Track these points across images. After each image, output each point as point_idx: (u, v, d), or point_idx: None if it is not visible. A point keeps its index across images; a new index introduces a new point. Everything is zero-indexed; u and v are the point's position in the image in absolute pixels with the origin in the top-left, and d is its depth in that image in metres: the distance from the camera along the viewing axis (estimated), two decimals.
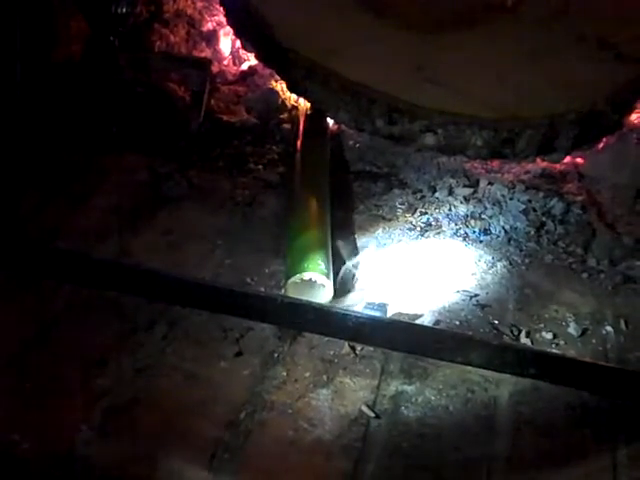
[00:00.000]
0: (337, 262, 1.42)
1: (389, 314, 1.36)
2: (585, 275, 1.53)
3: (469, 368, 1.27)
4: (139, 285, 1.28)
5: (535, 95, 1.72)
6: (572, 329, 1.39)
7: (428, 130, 1.68)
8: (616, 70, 1.76)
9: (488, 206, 1.69)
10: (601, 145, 1.86)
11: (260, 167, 1.73)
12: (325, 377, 1.24)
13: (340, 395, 1.21)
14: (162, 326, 1.30)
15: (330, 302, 1.34)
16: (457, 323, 1.38)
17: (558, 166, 1.85)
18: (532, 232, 1.63)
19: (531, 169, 1.81)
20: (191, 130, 1.77)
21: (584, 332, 1.39)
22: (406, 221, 1.63)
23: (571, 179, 1.82)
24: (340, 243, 1.49)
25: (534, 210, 1.69)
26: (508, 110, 1.69)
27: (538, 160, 1.83)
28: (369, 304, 1.35)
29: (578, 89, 1.74)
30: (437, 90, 1.71)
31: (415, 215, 1.65)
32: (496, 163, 1.83)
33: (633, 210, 1.71)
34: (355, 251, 1.50)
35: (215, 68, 1.97)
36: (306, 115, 1.82)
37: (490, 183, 1.76)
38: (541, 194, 1.73)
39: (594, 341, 1.37)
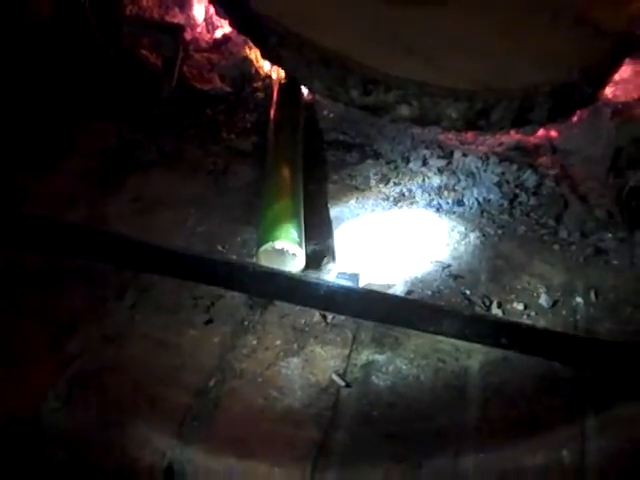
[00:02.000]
0: (309, 232, 1.40)
1: (361, 284, 1.35)
2: (557, 247, 1.53)
3: (441, 338, 1.26)
4: (108, 252, 1.26)
5: (510, 67, 1.71)
6: (543, 300, 1.39)
7: (403, 101, 1.67)
8: (591, 43, 1.75)
9: (462, 178, 1.69)
10: (575, 119, 1.86)
11: (233, 136, 1.71)
12: (296, 345, 1.23)
13: (311, 363, 1.20)
14: (132, 293, 1.29)
15: (302, 271, 1.32)
16: (429, 293, 1.37)
17: (532, 139, 1.85)
18: (505, 204, 1.62)
19: (505, 141, 1.81)
20: (163, 97, 1.74)
21: (555, 303, 1.39)
22: (379, 191, 1.62)
23: (544, 152, 1.81)
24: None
25: (507, 182, 1.69)
26: (483, 82, 1.68)
27: (512, 133, 1.83)
28: (341, 274, 1.34)
29: (553, 61, 1.73)
30: (413, 61, 1.70)
31: (388, 185, 1.64)
32: (470, 135, 1.82)
33: (605, 183, 1.71)
34: (328, 223, 1.49)
35: (188, 35, 1.94)
36: (280, 84, 1.80)
37: (464, 155, 1.76)
38: (515, 166, 1.72)
39: (564, 312, 1.37)
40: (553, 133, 1.86)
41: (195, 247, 1.39)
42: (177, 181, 1.55)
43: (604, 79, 1.81)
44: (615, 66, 1.82)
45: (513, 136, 1.82)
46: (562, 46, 1.72)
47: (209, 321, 1.25)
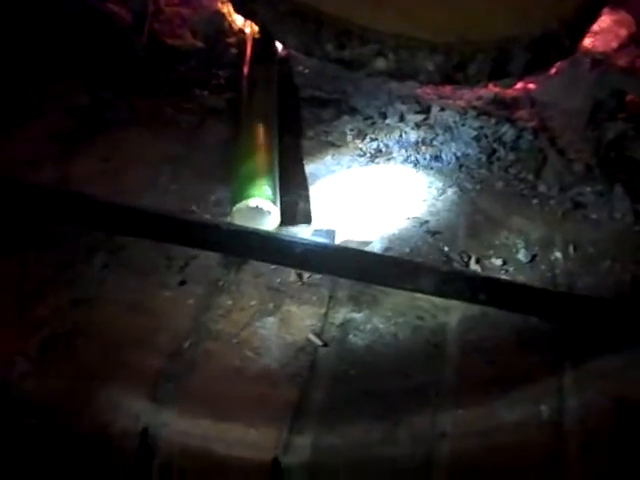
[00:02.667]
0: (284, 188, 1.38)
1: (337, 241, 1.33)
2: (535, 201, 1.51)
3: (419, 295, 1.25)
4: (77, 213, 1.23)
5: (486, 19, 1.68)
6: (521, 255, 1.37)
7: (379, 54, 1.64)
8: None
9: (439, 132, 1.66)
10: (553, 71, 1.84)
11: (206, 93, 1.68)
12: (271, 305, 1.21)
13: (287, 323, 1.18)
14: (102, 255, 1.26)
15: (277, 229, 1.30)
16: (407, 250, 1.35)
17: (510, 92, 1.82)
18: (483, 159, 1.60)
19: (483, 95, 1.78)
20: (133, 54, 1.69)
21: (533, 258, 1.37)
22: (356, 147, 1.60)
23: (523, 105, 1.79)
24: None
25: (485, 137, 1.66)
26: (459, 34, 1.65)
27: (490, 86, 1.80)
28: (317, 231, 1.32)
29: (530, 12, 1.71)
30: (388, 13, 1.67)
31: (365, 141, 1.62)
32: (448, 89, 1.79)
33: (584, 136, 1.69)
34: (303, 179, 1.46)
35: None
36: (253, 39, 1.76)
37: (442, 109, 1.73)
38: (493, 120, 1.70)
39: (543, 267, 1.36)
40: (531, 85, 1.84)
41: (168, 206, 1.36)
42: (149, 139, 1.51)
43: (583, 30, 1.78)
44: (594, 16, 1.79)
45: (491, 89, 1.80)
46: None
47: (183, 282, 1.23)
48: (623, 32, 1.98)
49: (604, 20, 1.95)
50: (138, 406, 1.05)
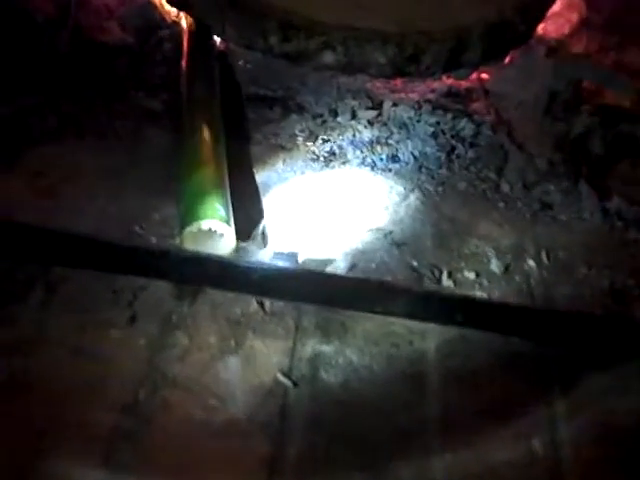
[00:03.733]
0: (236, 204, 1.25)
1: (298, 262, 1.21)
2: (501, 204, 1.43)
3: (392, 319, 1.15)
4: (7, 245, 1.08)
5: (441, 7, 1.58)
6: (494, 266, 1.29)
7: (326, 47, 1.54)
8: None
9: (394, 130, 1.56)
10: (507, 60, 1.75)
11: (141, 94, 1.53)
12: (233, 342, 1.09)
13: (252, 362, 1.07)
14: (39, 292, 1.11)
15: (233, 253, 1.17)
16: (373, 266, 1.25)
17: (463, 83, 1.73)
18: (443, 157, 1.51)
19: (436, 88, 1.68)
20: (58, 52, 1.53)
21: (507, 268, 1.29)
22: (308, 150, 1.48)
23: (477, 97, 1.70)
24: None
25: (443, 133, 1.57)
26: (413, 24, 1.56)
27: (444, 78, 1.71)
28: (277, 254, 1.20)
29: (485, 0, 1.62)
30: (336, 3, 1.56)
31: (317, 143, 1.50)
32: (399, 82, 1.69)
33: (542, 129, 1.61)
34: (255, 191, 1.34)
35: None
36: (189, 32, 1.62)
37: (395, 104, 1.63)
38: (449, 115, 1.61)
39: (517, 278, 1.28)
40: (484, 75, 1.75)
41: (108, 229, 1.22)
42: (82, 151, 1.37)
43: (539, 15, 1.70)
44: (549, 1, 1.71)
45: (444, 81, 1.70)
46: None
47: (132, 319, 1.10)
48: (575, 16, 1.90)
49: (555, 4, 1.87)
50: (90, 476, 0.91)
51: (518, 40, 1.66)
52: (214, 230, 1.15)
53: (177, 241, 1.19)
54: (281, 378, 1.05)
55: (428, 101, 1.63)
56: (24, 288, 1.11)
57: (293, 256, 1.19)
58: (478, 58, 1.61)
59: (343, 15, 1.53)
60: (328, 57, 1.53)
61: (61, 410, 0.98)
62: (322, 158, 1.46)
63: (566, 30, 1.86)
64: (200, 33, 1.60)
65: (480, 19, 1.57)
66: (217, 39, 1.62)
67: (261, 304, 1.15)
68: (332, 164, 1.46)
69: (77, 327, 1.07)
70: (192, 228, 1.15)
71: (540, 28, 1.81)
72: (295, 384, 1.05)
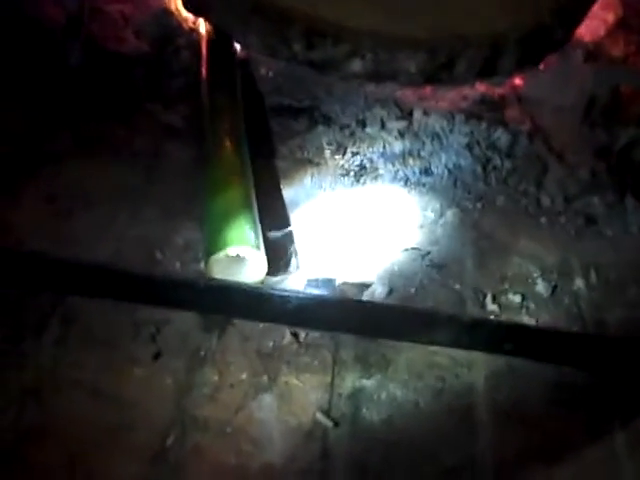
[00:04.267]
0: (264, 225, 1.16)
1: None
2: (544, 219, 1.35)
3: (435, 348, 1.07)
4: (19, 274, 1.00)
5: (475, 12, 1.49)
6: (541, 287, 1.21)
7: (354, 55, 1.45)
8: None
9: (426, 141, 1.47)
10: (542, 64, 1.66)
11: (159, 107, 1.44)
12: (266, 378, 1.00)
13: (287, 400, 0.98)
14: (55, 326, 1.03)
15: (263, 281, 1.08)
16: (413, 291, 1.17)
17: (497, 90, 1.64)
18: (478, 170, 1.43)
19: (468, 95, 1.59)
20: (70, 63, 1.45)
21: (554, 290, 1.21)
22: (337, 165, 1.40)
23: (511, 104, 1.61)
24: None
25: (478, 144, 1.48)
26: (445, 29, 1.46)
27: (475, 85, 1.62)
28: (311, 281, 1.11)
29: (521, 2, 1.53)
30: (363, 7, 1.47)
31: (346, 157, 1.42)
32: (429, 89, 1.60)
33: (580, 136, 1.52)
34: (284, 212, 1.25)
35: None
36: (208, 40, 1.53)
37: (425, 113, 1.54)
38: (483, 124, 1.52)
39: (566, 300, 1.20)
40: (517, 81, 1.66)
41: (128, 256, 1.14)
42: (99, 170, 1.28)
43: (578, 19, 1.60)
44: (589, 3, 1.62)
45: (477, 88, 1.61)
46: None
47: (157, 355, 1.01)
48: (610, 17, 1.81)
49: None
50: None
51: (556, 45, 1.57)
52: (243, 257, 1.07)
53: (203, 268, 1.10)
54: (320, 417, 0.97)
55: (460, 110, 1.54)
56: (38, 322, 1.03)
57: (329, 283, 1.11)
58: (514, 64, 1.52)
59: (372, 21, 1.44)
60: (356, 65, 1.44)
61: (81, 460, 0.89)
62: (352, 173, 1.38)
63: (602, 32, 1.77)
64: (220, 41, 1.52)
65: (517, 24, 1.47)
66: (238, 47, 1.52)
67: (295, 335, 1.06)
68: (363, 179, 1.37)
69: (96, 366, 0.99)
70: (219, 255, 1.06)
71: (580, 32, 1.71)
72: (336, 424, 0.97)
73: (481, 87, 1.61)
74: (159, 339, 1.03)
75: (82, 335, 1.02)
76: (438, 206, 1.34)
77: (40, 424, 0.92)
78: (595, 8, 1.80)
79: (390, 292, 1.15)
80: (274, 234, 1.16)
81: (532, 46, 1.54)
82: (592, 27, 1.76)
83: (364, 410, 0.99)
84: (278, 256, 1.15)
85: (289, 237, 1.19)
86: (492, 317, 1.14)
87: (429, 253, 1.24)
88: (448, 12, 1.48)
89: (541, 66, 1.65)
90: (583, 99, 1.58)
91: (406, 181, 1.39)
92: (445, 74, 1.49)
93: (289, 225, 1.22)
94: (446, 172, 1.42)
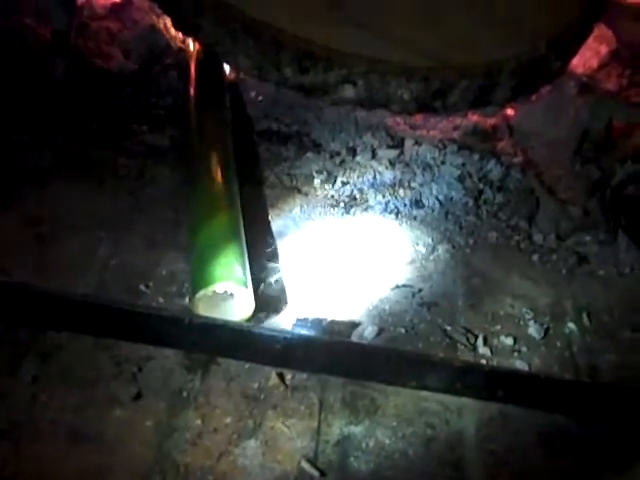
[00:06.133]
0: (254, 260, 1.13)
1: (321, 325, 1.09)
2: (536, 257, 1.32)
3: (424, 393, 1.03)
4: None
5: (471, 39, 1.46)
6: (533, 330, 1.18)
7: (346, 80, 1.41)
8: (558, 10, 1.52)
9: (417, 172, 1.45)
10: (535, 95, 1.64)
11: (145, 127, 1.41)
12: (251, 422, 0.97)
13: (272, 447, 0.94)
14: (31, 363, 0.98)
15: (251, 319, 1.05)
16: (403, 331, 1.13)
17: (489, 120, 1.61)
18: (470, 203, 1.40)
19: (460, 124, 1.57)
20: (55, 80, 1.40)
21: (546, 332, 1.19)
22: (326, 195, 1.37)
23: (503, 135, 1.58)
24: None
25: (469, 175, 1.46)
26: (440, 57, 1.43)
27: (468, 114, 1.60)
28: (300, 320, 1.07)
29: (517, 30, 1.50)
30: (357, 32, 1.43)
31: (336, 186, 1.39)
32: (419, 118, 1.57)
33: (573, 170, 1.50)
34: (272, 244, 1.22)
35: None
36: (197, 60, 1.49)
37: (417, 143, 1.52)
38: (475, 156, 1.50)
39: (558, 344, 1.17)
40: (510, 111, 1.64)
41: (110, 287, 1.09)
42: (83, 194, 1.24)
43: (574, 50, 1.58)
44: (585, 34, 1.59)
45: (469, 118, 1.59)
46: (527, 12, 1.49)
47: (138, 395, 0.97)
48: (603, 49, 1.79)
49: None
50: None
51: (550, 76, 1.54)
52: (230, 293, 1.03)
53: (187, 302, 1.06)
54: (306, 466, 0.93)
55: (452, 140, 1.52)
56: (14, 358, 0.98)
57: (317, 323, 1.07)
58: (508, 95, 1.48)
59: (365, 46, 1.40)
60: (348, 91, 1.41)
61: None
62: (342, 203, 1.35)
63: (595, 64, 1.75)
64: (209, 61, 1.48)
65: (513, 54, 1.44)
66: (227, 68, 1.49)
67: (281, 377, 1.02)
68: (353, 210, 1.35)
69: (75, 406, 0.95)
70: (205, 291, 1.02)
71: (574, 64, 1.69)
72: (322, 473, 0.93)
73: (473, 117, 1.59)
74: (140, 378, 0.99)
75: (60, 373, 0.98)
76: (429, 240, 1.31)
77: (14, 467, 0.87)
78: (589, 40, 1.78)
79: (380, 332, 1.12)
80: (262, 269, 1.12)
81: (527, 77, 1.51)
82: (585, 59, 1.74)
83: (351, 459, 0.96)
84: (266, 293, 1.11)
85: (277, 272, 1.14)
86: (484, 361, 1.10)
87: (420, 291, 1.21)
88: (443, 39, 1.45)
89: (533, 97, 1.63)
90: (576, 132, 1.56)
91: (397, 213, 1.36)
92: (438, 103, 1.46)
93: (277, 259, 1.18)
94: (437, 204, 1.39)
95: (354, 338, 1.10)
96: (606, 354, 1.17)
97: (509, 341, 1.16)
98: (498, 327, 1.18)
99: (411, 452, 0.98)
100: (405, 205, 1.38)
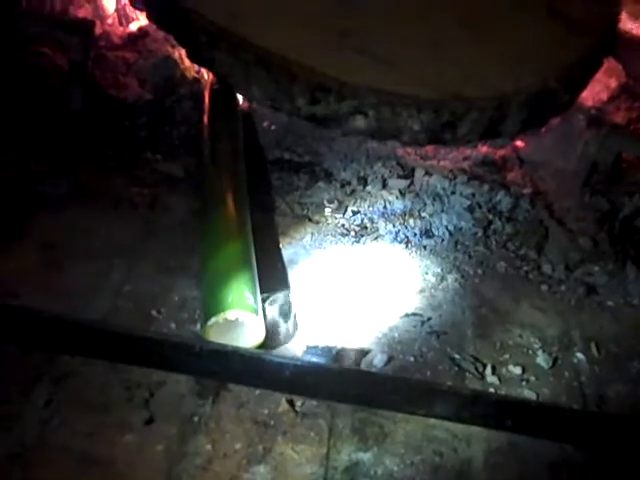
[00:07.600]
0: (263, 286, 1.14)
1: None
2: (545, 287, 1.33)
3: (432, 421, 1.04)
4: (10, 331, 0.97)
5: (481, 72, 1.48)
6: (541, 359, 1.19)
7: (358, 112, 1.43)
8: (567, 43, 1.54)
9: (427, 202, 1.46)
10: (544, 127, 1.65)
11: (159, 157, 1.43)
12: (261, 448, 0.97)
13: (282, 472, 0.95)
14: (44, 387, 1.00)
15: (261, 346, 1.06)
16: (412, 359, 1.14)
17: (498, 151, 1.63)
18: (479, 233, 1.41)
19: (470, 155, 1.59)
20: (72, 109, 1.43)
21: (554, 362, 1.19)
22: (337, 224, 1.38)
23: (513, 166, 1.60)
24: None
25: (479, 206, 1.47)
26: (451, 89, 1.45)
27: (478, 145, 1.61)
28: (311, 348, 1.08)
29: (527, 64, 1.52)
30: (369, 64, 1.45)
31: (346, 215, 1.40)
32: (430, 148, 1.59)
33: (582, 201, 1.51)
34: (284, 272, 1.23)
35: (97, 29, 1.61)
36: (211, 91, 1.51)
37: (427, 173, 1.53)
38: (485, 186, 1.51)
39: (567, 374, 1.17)
40: (519, 143, 1.65)
41: (123, 313, 1.11)
42: (96, 220, 1.26)
43: (583, 84, 1.60)
44: (595, 68, 1.61)
45: (479, 149, 1.60)
46: (536, 45, 1.50)
47: (149, 420, 0.98)
48: (613, 82, 1.81)
49: None
50: None
51: (560, 109, 1.56)
52: (241, 321, 1.04)
53: (199, 329, 1.07)
54: None
55: (462, 170, 1.54)
56: (28, 381, 0.99)
57: (327, 350, 1.08)
58: (518, 127, 1.50)
59: (376, 78, 1.42)
60: (359, 122, 1.43)
61: None
62: (353, 232, 1.37)
63: (605, 97, 1.77)
64: (223, 91, 1.50)
65: (522, 87, 1.46)
66: (240, 98, 1.51)
67: (291, 403, 1.04)
68: (363, 239, 1.36)
69: (86, 430, 0.96)
70: (217, 319, 1.03)
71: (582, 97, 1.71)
72: None
73: (483, 148, 1.60)
74: (152, 403, 1.00)
75: (72, 398, 0.99)
76: (439, 270, 1.32)
77: None
78: (598, 73, 1.80)
79: (389, 360, 1.13)
80: (273, 297, 1.13)
81: (536, 110, 1.52)
82: (595, 92, 1.76)
83: None
84: (276, 320, 1.12)
85: (288, 300, 1.16)
86: (492, 390, 1.11)
87: (429, 319, 1.22)
88: (453, 72, 1.47)
89: (543, 129, 1.64)
90: (585, 165, 1.57)
91: (407, 243, 1.37)
92: (448, 134, 1.48)
93: (288, 287, 1.19)
94: (447, 234, 1.41)
95: (363, 366, 1.11)
96: (614, 384, 1.17)
97: (517, 370, 1.17)
98: (506, 356, 1.19)
99: None
100: (415, 234, 1.39)
